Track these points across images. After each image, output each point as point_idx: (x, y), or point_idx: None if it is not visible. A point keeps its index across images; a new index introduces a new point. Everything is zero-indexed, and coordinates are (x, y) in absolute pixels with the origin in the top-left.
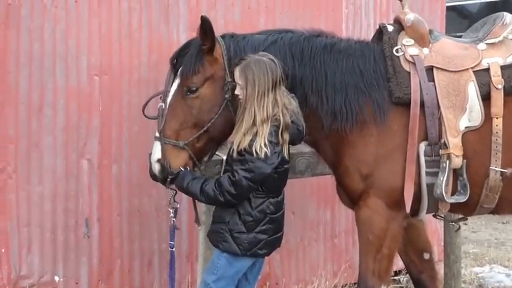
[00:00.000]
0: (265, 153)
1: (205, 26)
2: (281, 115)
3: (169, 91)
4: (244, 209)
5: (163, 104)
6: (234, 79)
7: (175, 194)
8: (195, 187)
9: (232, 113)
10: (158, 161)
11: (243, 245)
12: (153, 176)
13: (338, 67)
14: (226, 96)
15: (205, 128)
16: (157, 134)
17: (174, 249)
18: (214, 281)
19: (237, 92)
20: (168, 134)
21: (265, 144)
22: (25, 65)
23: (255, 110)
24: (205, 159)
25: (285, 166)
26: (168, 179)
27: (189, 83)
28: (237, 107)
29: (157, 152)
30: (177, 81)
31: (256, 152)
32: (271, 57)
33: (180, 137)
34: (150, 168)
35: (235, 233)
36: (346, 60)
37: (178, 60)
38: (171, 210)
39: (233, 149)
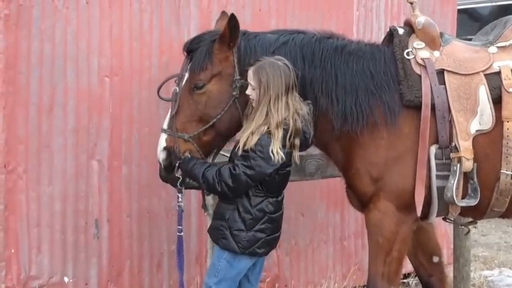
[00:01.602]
0: (282, 157)
1: (232, 24)
2: (291, 120)
3: (184, 75)
4: (244, 206)
5: (177, 88)
6: (243, 77)
7: (181, 179)
8: (198, 170)
9: (240, 111)
10: (164, 149)
11: (241, 243)
12: (162, 176)
13: (348, 69)
14: (234, 93)
15: (211, 123)
16: (164, 126)
17: (182, 233)
18: (216, 283)
19: (248, 92)
20: (172, 126)
21: (280, 148)
22: (36, 66)
23: (268, 112)
24: (211, 157)
25: (287, 169)
26: (176, 164)
27: (196, 80)
28: (245, 105)
29: (162, 142)
30: (186, 76)
31: (273, 155)
32: (286, 62)
33: (186, 130)
34: (160, 167)
35: (235, 230)
36: (356, 62)
37: (191, 50)
38: (179, 195)
39: (239, 146)
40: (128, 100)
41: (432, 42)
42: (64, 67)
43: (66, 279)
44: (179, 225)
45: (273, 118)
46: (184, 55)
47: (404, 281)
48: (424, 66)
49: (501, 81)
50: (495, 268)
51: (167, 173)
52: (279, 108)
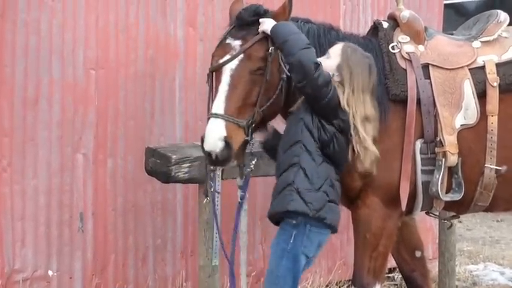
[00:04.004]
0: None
1: (291, 3)
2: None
3: (235, 50)
4: (308, 163)
5: (227, 63)
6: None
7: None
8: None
9: (283, 94)
10: (224, 138)
11: (312, 203)
12: (212, 160)
13: None
14: (284, 76)
15: (264, 107)
16: (218, 111)
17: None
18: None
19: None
20: (230, 111)
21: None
22: (21, 58)
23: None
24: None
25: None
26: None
27: (257, 59)
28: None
29: (221, 129)
30: (241, 56)
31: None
32: (373, 62)
33: (241, 115)
34: (205, 149)
35: (303, 189)
36: None
37: (246, 24)
38: (252, 162)
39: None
40: (113, 93)
41: (417, 37)
42: (49, 59)
43: (50, 272)
44: (243, 191)
45: (359, 111)
46: (232, 22)
47: (389, 275)
48: (410, 61)
49: (485, 76)
50: (480, 263)
51: (219, 164)
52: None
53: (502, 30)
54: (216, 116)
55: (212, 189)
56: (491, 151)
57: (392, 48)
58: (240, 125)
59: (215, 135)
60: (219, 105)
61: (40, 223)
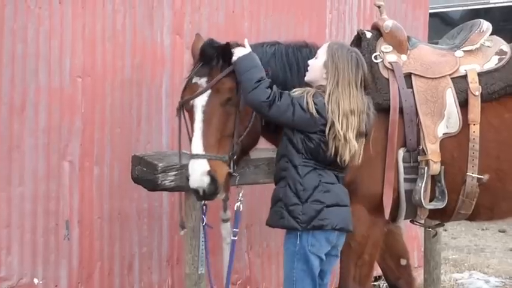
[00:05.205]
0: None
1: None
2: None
3: (202, 85)
4: (293, 178)
5: (197, 101)
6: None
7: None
8: (258, 74)
9: (259, 120)
10: (208, 172)
11: (299, 217)
12: (200, 196)
13: None
14: None
15: (241, 138)
16: (198, 151)
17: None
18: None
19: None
20: (210, 149)
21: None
22: (7, 65)
23: (339, 99)
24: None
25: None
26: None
27: (226, 91)
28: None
29: (204, 165)
30: (208, 91)
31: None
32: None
33: (221, 149)
34: (191, 186)
35: (290, 206)
36: None
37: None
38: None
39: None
40: (100, 101)
41: (399, 46)
42: (36, 67)
43: (36, 280)
44: (236, 228)
45: (343, 103)
46: (196, 61)
47: (375, 283)
48: (392, 70)
49: (467, 85)
50: (465, 271)
51: (206, 199)
52: (348, 98)
53: (484, 39)
54: (198, 156)
55: (204, 224)
56: (473, 159)
57: (375, 57)
58: (223, 160)
59: (199, 172)
60: (197, 145)
61: (26, 231)
